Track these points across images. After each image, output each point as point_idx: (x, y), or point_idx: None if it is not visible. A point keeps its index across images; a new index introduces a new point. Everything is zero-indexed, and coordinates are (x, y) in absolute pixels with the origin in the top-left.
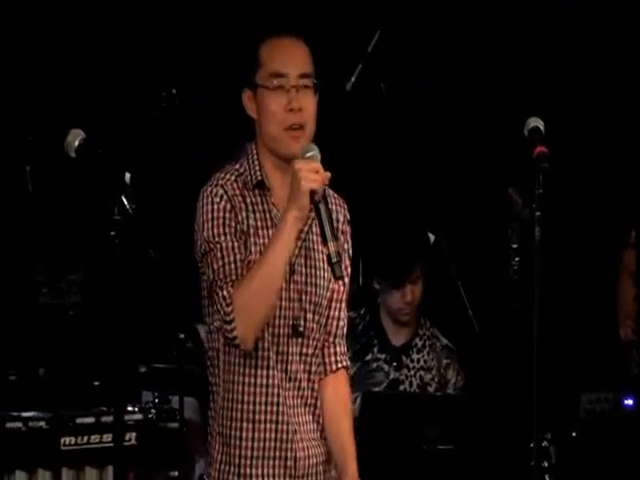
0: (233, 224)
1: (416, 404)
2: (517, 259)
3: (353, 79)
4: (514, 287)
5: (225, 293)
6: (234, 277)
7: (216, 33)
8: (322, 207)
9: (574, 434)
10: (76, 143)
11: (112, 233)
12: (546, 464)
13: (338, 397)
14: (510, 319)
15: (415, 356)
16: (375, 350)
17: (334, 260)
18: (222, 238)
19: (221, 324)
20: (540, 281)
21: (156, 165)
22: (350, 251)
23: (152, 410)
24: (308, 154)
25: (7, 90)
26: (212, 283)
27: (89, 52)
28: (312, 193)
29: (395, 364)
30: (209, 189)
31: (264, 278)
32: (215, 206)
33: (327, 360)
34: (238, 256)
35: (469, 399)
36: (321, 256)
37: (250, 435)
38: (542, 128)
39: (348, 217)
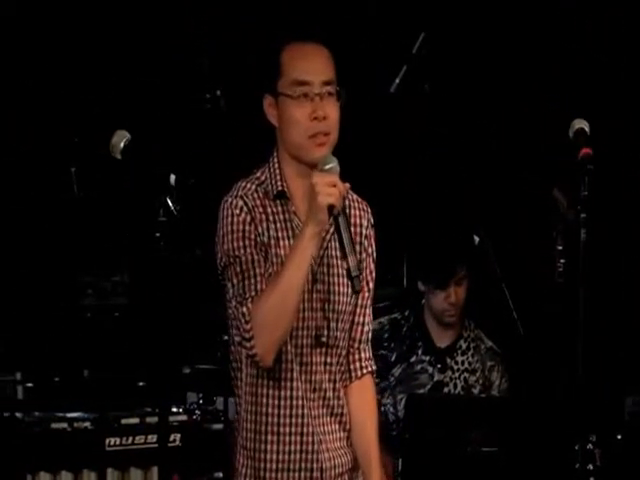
0: (253, 236)
1: (460, 406)
2: (562, 261)
3: (397, 81)
4: (559, 289)
5: (244, 310)
6: (253, 293)
7: (259, 35)
8: (341, 220)
9: (619, 437)
10: (121, 144)
11: (157, 234)
12: (591, 467)
13: (364, 403)
14: (555, 321)
15: (459, 358)
16: (419, 352)
17: (353, 274)
18: (242, 251)
19: (241, 340)
20: (585, 283)
21: (201, 166)
22: (374, 254)
23: (196, 411)
24: (326, 166)
25: (52, 92)
26: (232, 298)
27: (135, 54)
28: (330, 207)
29: (439, 366)
30: (229, 200)
31: (282, 294)
32: (235, 218)
33: (352, 367)
34: (258, 270)
35: (513, 401)
36: (342, 263)
37: (275, 448)
38: (587, 130)
39: (372, 221)
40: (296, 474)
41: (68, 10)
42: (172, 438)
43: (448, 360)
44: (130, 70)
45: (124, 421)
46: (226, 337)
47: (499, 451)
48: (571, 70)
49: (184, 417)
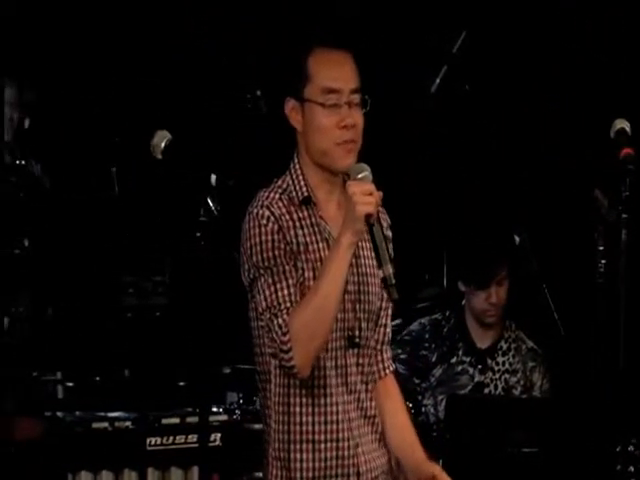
0: (283, 246)
1: (501, 407)
2: (603, 261)
3: (438, 81)
4: (600, 289)
5: (280, 321)
6: (288, 304)
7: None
8: (376, 229)
9: None
10: (162, 145)
11: (198, 234)
12: (632, 469)
13: (390, 397)
14: (596, 322)
15: (500, 359)
16: (460, 353)
17: (390, 283)
18: (272, 262)
19: (276, 352)
20: (626, 283)
21: (241, 167)
22: (393, 255)
23: (237, 411)
24: (360, 175)
25: (93, 92)
26: (265, 310)
27: (176, 54)
28: (367, 216)
29: (480, 367)
30: (255, 211)
31: (321, 305)
32: (263, 229)
33: (376, 368)
34: (291, 281)
35: (554, 402)
36: (371, 262)
37: (311, 456)
38: (628, 130)
39: (389, 221)
40: None
41: (111, 11)
42: (212, 438)
43: (489, 361)
44: (171, 70)
45: (165, 421)
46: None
47: (539, 452)
48: (614, 69)
49: (224, 417)
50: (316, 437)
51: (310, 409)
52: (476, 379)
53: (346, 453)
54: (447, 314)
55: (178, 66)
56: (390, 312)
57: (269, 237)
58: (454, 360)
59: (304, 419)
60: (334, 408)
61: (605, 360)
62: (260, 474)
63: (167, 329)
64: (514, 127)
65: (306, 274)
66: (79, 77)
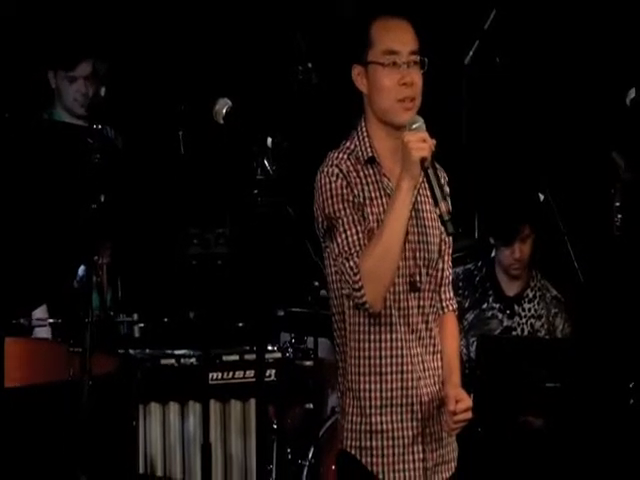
0: (350, 198)
1: (526, 347)
2: (619, 216)
3: (471, 53)
4: (617, 242)
5: (352, 263)
6: (358, 248)
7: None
8: (430, 172)
9: None
10: (224, 111)
11: (255, 191)
12: None
13: (444, 329)
14: (613, 270)
15: (526, 305)
16: (490, 300)
17: (446, 218)
18: (342, 213)
19: (350, 292)
20: None
21: (294, 131)
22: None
23: (289, 349)
24: (415, 125)
25: (163, 64)
26: (338, 255)
27: (236, 30)
28: (422, 160)
29: (508, 312)
30: (325, 169)
31: (386, 245)
32: (333, 184)
33: (436, 308)
34: (359, 227)
35: (575, 343)
36: (429, 215)
37: (378, 387)
38: None
39: (446, 177)
40: (398, 409)
41: None
42: (268, 373)
43: (516, 307)
44: (232, 47)
45: (225, 358)
46: (317, 282)
47: (561, 387)
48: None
49: (278, 355)
50: (383, 369)
51: (378, 344)
52: (505, 324)
53: (409, 384)
54: (479, 264)
55: (239, 42)
56: (447, 258)
57: (339, 191)
58: (485, 306)
59: (372, 353)
60: (397, 344)
61: (621, 306)
62: (310, 405)
63: (228, 276)
64: (539, 94)
65: (371, 225)
66: (149, 50)
